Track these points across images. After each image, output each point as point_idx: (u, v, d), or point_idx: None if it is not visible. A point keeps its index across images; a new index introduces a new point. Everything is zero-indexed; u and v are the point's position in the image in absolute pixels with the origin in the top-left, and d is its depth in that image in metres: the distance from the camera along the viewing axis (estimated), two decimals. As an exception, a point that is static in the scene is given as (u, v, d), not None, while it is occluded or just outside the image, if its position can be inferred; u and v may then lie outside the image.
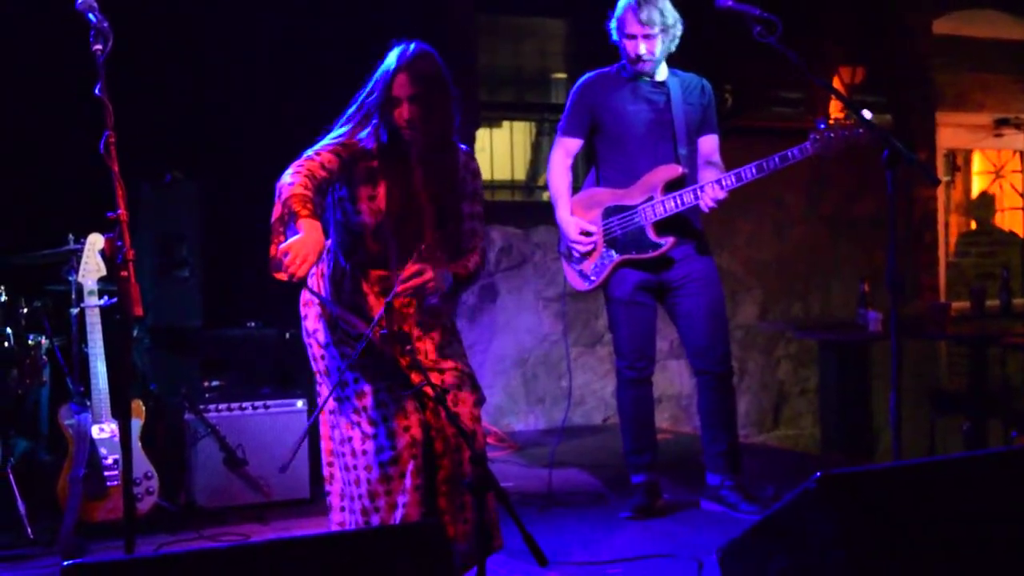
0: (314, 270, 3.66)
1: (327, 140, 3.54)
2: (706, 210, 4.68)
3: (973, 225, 10.05)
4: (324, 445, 3.71)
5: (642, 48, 4.68)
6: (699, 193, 4.66)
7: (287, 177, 3.34)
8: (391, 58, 3.54)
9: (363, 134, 3.55)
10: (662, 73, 4.83)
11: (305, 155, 3.46)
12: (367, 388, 3.50)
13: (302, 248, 3.13)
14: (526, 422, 7.64)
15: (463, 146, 3.72)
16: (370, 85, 3.57)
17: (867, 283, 7.06)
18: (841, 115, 4.54)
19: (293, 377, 5.82)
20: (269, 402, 5.28)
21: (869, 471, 2.99)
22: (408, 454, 3.46)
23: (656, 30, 4.66)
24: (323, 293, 3.62)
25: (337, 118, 3.60)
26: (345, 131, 3.56)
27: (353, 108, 3.59)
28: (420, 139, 3.54)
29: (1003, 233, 10.18)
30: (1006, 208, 10.35)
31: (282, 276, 3.12)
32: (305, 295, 3.67)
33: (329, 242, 3.66)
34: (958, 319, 7.38)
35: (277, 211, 3.26)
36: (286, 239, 3.18)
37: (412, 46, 3.56)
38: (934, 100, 9.27)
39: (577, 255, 4.88)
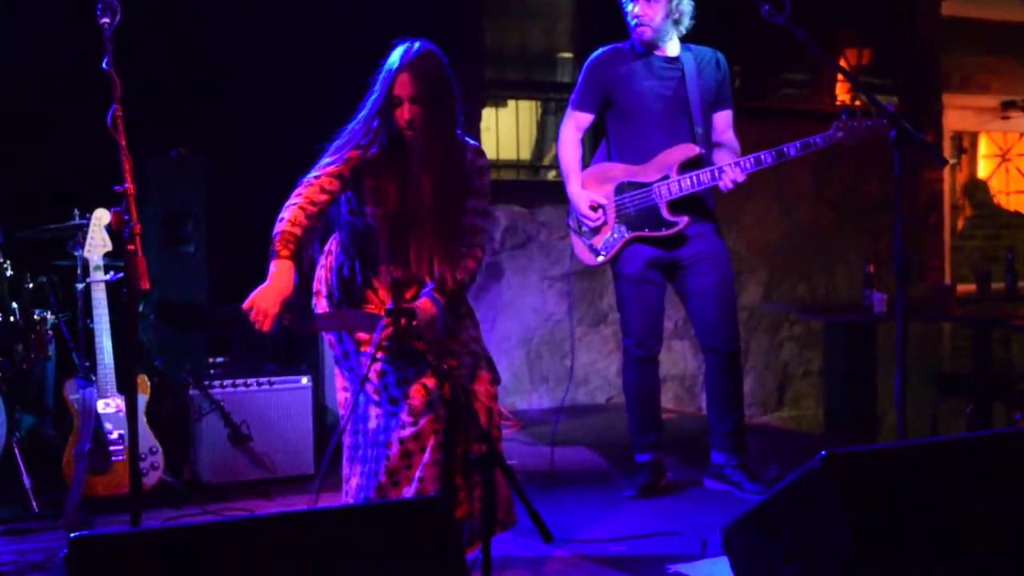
0: (323, 261, 3.71)
1: (331, 152, 3.56)
2: (724, 191, 4.67)
3: (968, 212, 10.02)
4: (344, 425, 3.72)
5: (638, 7, 4.66)
6: (718, 174, 4.64)
7: (283, 211, 3.44)
8: (394, 57, 3.54)
9: (366, 140, 3.56)
10: (675, 49, 4.81)
11: (306, 180, 3.52)
12: (387, 367, 3.51)
13: (262, 302, 3.27)
14: (530, 401, 7.64)
15: (473, 142, 3.72)
16: (375, 86, 3.57)
17: (872, 265, 7.05)
18: (847, 96, 4.54)
19: (298, 354, 5.83)
20: (274, 379, 5.29)
21: (874, 451, 2.99)
22: (430, 429, 3.49)
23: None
24: (332, 285, 3.66)
25: (347, 123, 3.61)
26: (350, 138, 3.57)
27: (362, 112, 3.60)
28: (421, 140, 3.54)
29: (1009, 215, 10.16)
30: (1012, 191, 10.33)
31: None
32: (315, 284, 3.72)
33: (336, 235, 3.70)
34: (963, 301, 7.38)
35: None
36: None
37: (416, 45, 3.55)
38: (941, 82, 9.24)
39: (587, 228, 4.87)
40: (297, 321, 3.45)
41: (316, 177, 3.51)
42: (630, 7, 4.71)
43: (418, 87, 3.49)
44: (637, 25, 4.71)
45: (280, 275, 3.31)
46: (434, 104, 3.52)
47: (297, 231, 3.39)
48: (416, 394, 3.50)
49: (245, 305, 3.26)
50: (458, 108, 3.60)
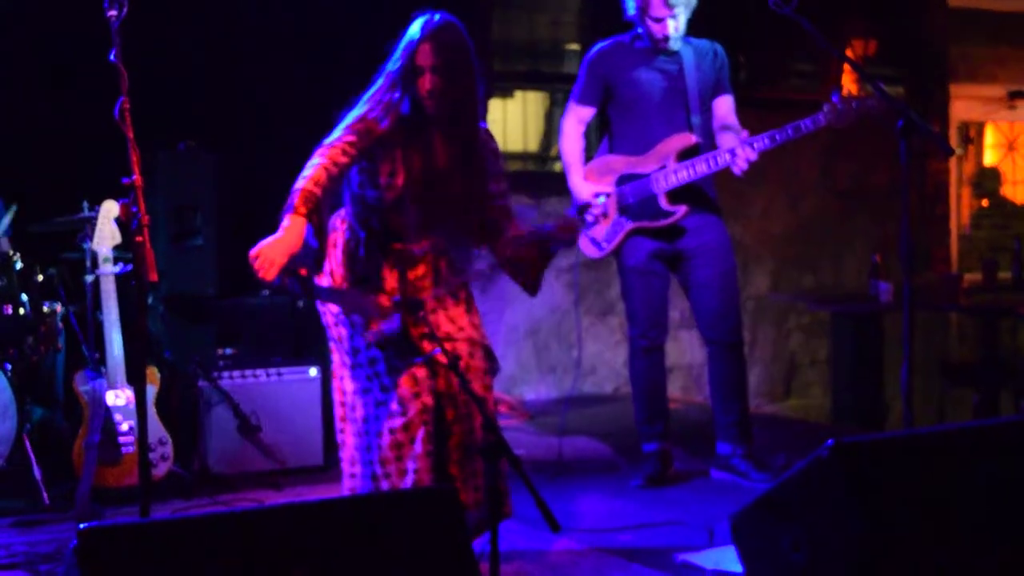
0: (330, 238, 3.70)
1: (350, 119, 3.54)
2: (739, 173, 4.64)
3: (985, 203, 9.99)
4: (336, 412, 3.73)
5: (670, 28, 4.67)
6: (727, 158, 4.62)
7: (306, 168, 3.40)
8: (415, 27, 3.53)
9: (386, 109, 3.55)
10: (676, 43, 4.81)
11: (327, 141, 3.49)
12: (379, 355, 3.52)
13: (270, 252, 3.25)
14: (537, 391, 7.65)
15: (482, 123, 3.72)
16: (395, 55, 3.56)
17: (879, 254, 7.05)
18: (855, 88, 4.52)
19: (306, 345, 5.83)
20: (282, 370, 5.30)
21: (882, 439, 3.00)
22: (419, 420, 3.49)
23: (681, 8, 4.65)
24: (337, 260, 3.64)
25: (364, 89, 3.60)
26: (368, 107, 3.56)
27: (380, 80, 3.59)
28: (442, 110, 3.54)
29: (1016, 206, 10.14)
30: (1019, 181, 10.31)
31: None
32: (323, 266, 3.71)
33: (344, 211, 3.68)
34: (970, 291, 7.37)
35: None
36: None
37: (437, 16, 3.55)
38: (948, 72, 9.21)
39: (590, 220, 4.87)
40: (300, 284, 3.45)
41: (337, 140, 3.49)
42: (661, 27, 4.67)
43: (440, 57, 3.49)
44: (664, 39, 4.70)
45: (292, 230, 3.29)
46: (456, 75, 3.52)
47: (318, 191, 3.36)
48: (405, 384, 3.50)
49: (252, 253, 3.26)
50: (479, 81, 3.60)
